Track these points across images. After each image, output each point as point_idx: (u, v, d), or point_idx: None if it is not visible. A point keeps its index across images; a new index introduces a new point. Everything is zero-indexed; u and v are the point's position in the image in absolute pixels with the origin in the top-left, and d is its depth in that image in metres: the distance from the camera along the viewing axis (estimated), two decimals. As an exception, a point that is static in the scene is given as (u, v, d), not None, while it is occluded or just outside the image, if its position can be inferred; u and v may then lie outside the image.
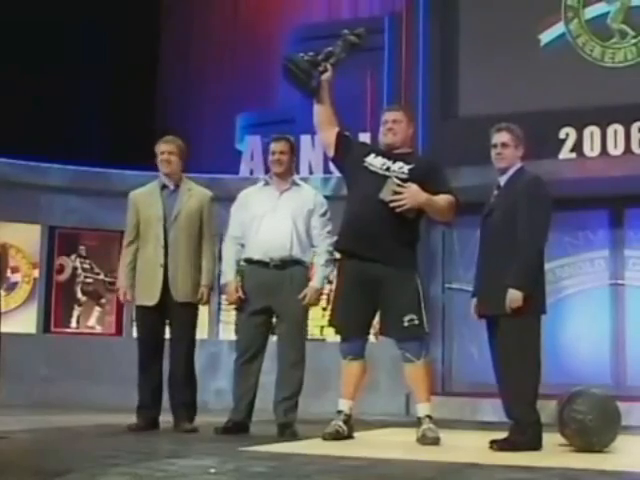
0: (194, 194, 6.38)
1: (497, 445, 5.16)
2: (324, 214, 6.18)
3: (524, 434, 5.21)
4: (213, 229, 6.45)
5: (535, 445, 5.19)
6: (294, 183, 6.26)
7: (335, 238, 5.90)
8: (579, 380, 6.92)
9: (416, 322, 5.51)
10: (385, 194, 5.47)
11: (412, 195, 5.48)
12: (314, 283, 6.04)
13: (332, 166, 5.86)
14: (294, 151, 6.34)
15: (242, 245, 6.15)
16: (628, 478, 4.19)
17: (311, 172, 10.93)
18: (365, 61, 9.72)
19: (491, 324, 5.45)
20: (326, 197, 6.45)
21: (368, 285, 5.56)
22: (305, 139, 10.61)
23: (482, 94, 10.93)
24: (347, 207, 5.74)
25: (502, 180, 5.55)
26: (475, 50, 11.24)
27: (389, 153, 5.72)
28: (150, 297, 6.17)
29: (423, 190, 5.51)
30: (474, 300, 5.59)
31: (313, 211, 6.14)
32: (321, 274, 6.09)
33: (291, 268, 6.03)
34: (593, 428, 5.16)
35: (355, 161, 5.74)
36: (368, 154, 5.75)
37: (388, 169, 5.62)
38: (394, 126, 5.74)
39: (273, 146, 6.24)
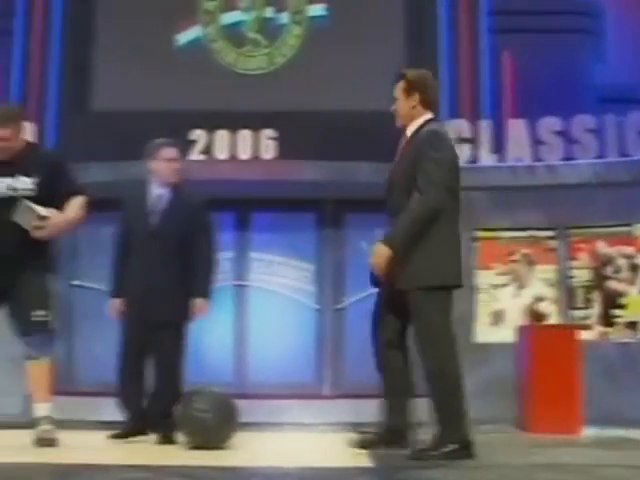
0: None
1: None
2: None
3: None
4: None
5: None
6: None
7: None
8: (204, 379, 6.98)
9: (44, 318, 5.30)
10: (22, 220, 5.11)
11: (55, 226, 5.21)
12: None
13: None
14: None
15: None
16: (242, 473, 4.29)
17: None
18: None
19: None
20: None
21: None
22: None
23: (117, 90, 10.81)
24: None
25: None
26: (112, 45, 11.07)
27: (6, 169, 5.20)
28: None
29: (51, 195, 5.24)
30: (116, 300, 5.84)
31: None
32: None
33: None
34: (212, 425, 5.24)
35: None
36: None
37: (14, 189, 5.19)
38: (4, 144, 5.20)
39: None
